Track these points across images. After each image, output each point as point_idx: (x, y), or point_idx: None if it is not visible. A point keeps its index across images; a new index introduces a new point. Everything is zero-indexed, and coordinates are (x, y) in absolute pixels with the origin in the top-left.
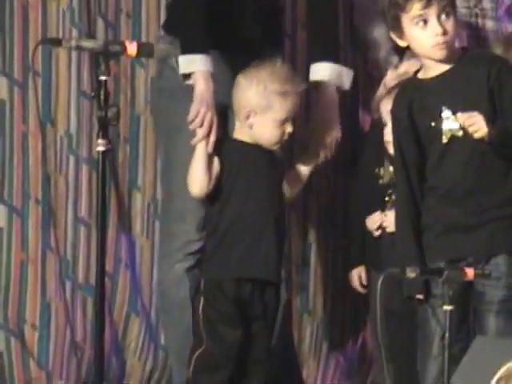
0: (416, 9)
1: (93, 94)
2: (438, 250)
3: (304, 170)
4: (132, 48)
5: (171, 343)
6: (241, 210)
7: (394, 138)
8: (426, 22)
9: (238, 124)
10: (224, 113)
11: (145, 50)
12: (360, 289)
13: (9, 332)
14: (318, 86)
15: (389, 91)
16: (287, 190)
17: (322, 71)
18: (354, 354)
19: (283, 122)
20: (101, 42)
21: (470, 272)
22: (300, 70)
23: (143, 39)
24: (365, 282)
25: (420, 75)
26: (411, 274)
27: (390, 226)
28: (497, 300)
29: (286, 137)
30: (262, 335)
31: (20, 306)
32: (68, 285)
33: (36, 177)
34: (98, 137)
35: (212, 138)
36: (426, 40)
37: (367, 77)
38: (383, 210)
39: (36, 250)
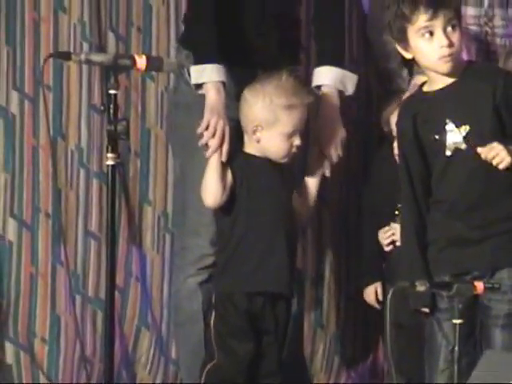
0: (422, 20)
1: (102, 107)
2: (443, 264)
3: (312, 182)
4: (141, 62)
5: (182, 357)
6: (252, 223)
7: (399, 150)
8: (431, 33)
9: (246, 138)
10: (238, 127)
11: (154, 64)
12: (376, 305)
13: (18, 345)
14: (320, 90)
15: (398, 105)
16: (299, 207)
17: (323, 75)
18: (365, 370)
19: (290, 136)
20: (110, 56)
21: (479, 286)
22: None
23: (154, 53)
24: (381, 298)
25: (425, 88)
26: (421, 287)
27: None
28: (502, 314)
29: (294, 150)
30: (272, 349)
31: (30, 320)
32: (78, 299)
33: (46, 191)
34: (107, 151)
35: (225, 147)
36: (431, 52)
37: (381, 89)
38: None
39: (46, 264)
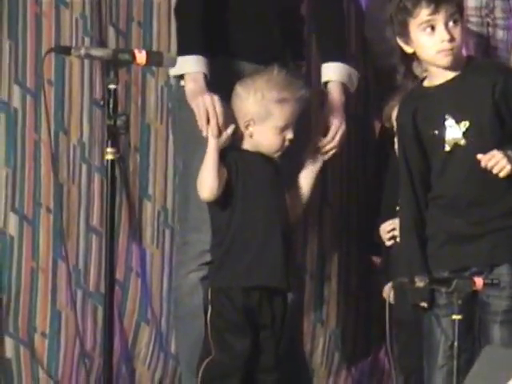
0: (424, 14)
1: (102, 102)
2: (441, 260)
3: (306, 180)
4: (141, 57)
5: (182, 351)
6: (247, 218)
7: (398, 146)
8: (433, 28)
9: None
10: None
11: (154, 59)
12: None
13: (18, 340)
14: (327, 85)
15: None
16: (291, 205)
17: (331, 71)
18: (365, 365)
19: (283, 130)
20: (110, 51)
21: (478, 281)
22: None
23: (154, 48)
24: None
25: (425, 83)
26: (420, 283)
27: None
28: (501, 310)
29: (286, 144)
30: (269, 344)
31: (30, 315)
32: (79, 293)
33: (48, 185)
34: (107, 145)
35: (220, 119)
36: (432, 46)
37: (378, 86)
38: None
39: (47, 259)
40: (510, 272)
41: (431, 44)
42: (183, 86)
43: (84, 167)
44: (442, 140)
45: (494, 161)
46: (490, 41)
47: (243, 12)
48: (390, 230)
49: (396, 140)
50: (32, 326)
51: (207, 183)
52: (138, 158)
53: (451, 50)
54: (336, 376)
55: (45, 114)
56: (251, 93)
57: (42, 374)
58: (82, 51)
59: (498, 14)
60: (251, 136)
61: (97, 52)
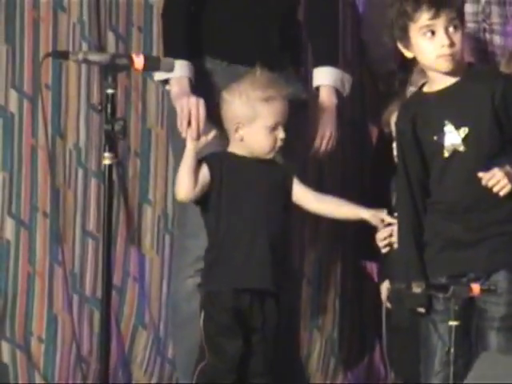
0: (424, 19)
1: (99, 107)
2: (439, 266)
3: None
4: (139, 61)
5: (179, 357)
6: (233, 221)
7: (397, 151)
8: (433, 33)
9: (231, 139)
10: None
11: (152, 64)
12: (388, 303)
13: (15, 345)
14: (319, 90)
15: (397, 106)
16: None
17: (323, 75)
18: (361, 371)
19: (273, 129)
20: (108, 56)
21: (475, 288)
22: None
23: (154, 53)
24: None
25: (425, 89)
26: (417, 289)
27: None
28: (498, 316)
29: (278, 143)
30: (261, 348)
31: (27, 319)
32: (75, 298)
33: (44, 190)
34: (104, 150)
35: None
36: (432, 51)
37: (375, 92)
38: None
39: (43, 263)
40: (507, 278)
41: (431, 49)
42: (169, 90)
43: (80, 172)
44: (441, 146)
45: (494, 180)
46: (486, 46)
47: (241, 17)
48: (385, 236)
49: (394, 145)
50: (28, 331)
51: (182, 185)
52: (139, 163)
53: (451, 55)
54: (332, 381)
55: (42, 118)
56: (236, 96)
57: (38, 379)
58: (80, 56)
59: (495, 19)
60: (242, 139)
61: (94, 57)
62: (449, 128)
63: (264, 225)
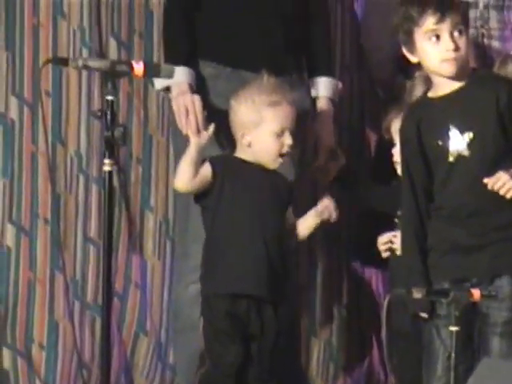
0: (429, 23)
1: (99, 113)
2: (442, 271)
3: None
4: (138, 68)
5: (180, 363)
6: (233, 226)
7: (401, 157)
8: (438, 37)
9: (238, 145)
10: None
11: (151, 70)
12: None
13: (16, 351)
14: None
15: (397, 112)
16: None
17: (321, 86)
18: (360, 376)
19: (280, 134)
20: (107, 62)
21: (476, 293)
22: None
23: (155, 59)
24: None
25: (430, 94)
26: (417, 294)
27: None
28: (500, 322)
29: (285, 149)
30: (261, 356)
31: (28, 326)
32: (77, 305)
33: (45, 197)
34: (104, 157)
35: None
36: (436, 55)
37: (374, 97)
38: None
39: (44, 270)
40: (510, 283)
41: (436, 53)
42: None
43: (81, 178)
44: (445, 150)
45: (500, 183)
46: (485, 52)
47: (244, 23)
48: (386, 241)
49: (394, 151)
50: (29, 337)
51: (181, 174)
52: (140, 169)
53: (455, 59)
54: None
55: (42, 125)
56: (242, 101)
57: None
58: (80, 62)
59: (493, 24)
60: (249, 145)
61: (94, 63)
62: (453, 133)
63: (262, 230)
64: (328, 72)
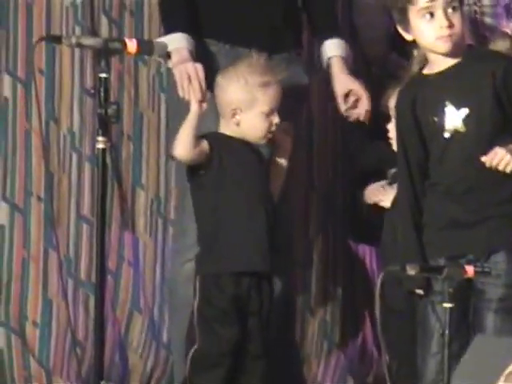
0: (423, 1)
1: (93, 91)
2: (438, 247)
3: (282, 162)
4: (132, 45)
5: (175, 341)
6: (232, 202)
7: (397, 133)
8: (432, 14)
9: (223, 122)
10: None
11: (145, 48)
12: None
13: (10, 329)
14: (332, 62)
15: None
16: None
17: (333, 48)
18: (354, 353)
19: (269, 114)
20: (101, 40)
21: (469, 270)
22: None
23: (146, 36)
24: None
25: (425, 71)
26: (411, 271)
27: (386, 202)
28: (496, 298)
29: (273, 128)
30: (257, 331)
31: (21, 303)
32: (70, 282)
33: (38, 174)
34: (98, 134)
35: (202, 85)
36: (431, 32)
37: (367, 74)
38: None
39: (38, 248)
40: (506, 260)
41: (430, 30)
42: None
43: (74, 156)
44: (441, 127)
45: (497, 159)
46: (478, 29)
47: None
48: (377, 193)
49: (389, 127)
50: (23, 315)
51: (182, 142)
52: (131, 147)
53: (450, 36)
54: (326, 363)
55: (35, 103)
56: (233, 80)
57: (33, 363)
58: (73, 40)
59: (485, 1)
60: (238, 124)
61: (88, 41)
62: (449, 109)
63: (261, 207)
64: (336, 34)
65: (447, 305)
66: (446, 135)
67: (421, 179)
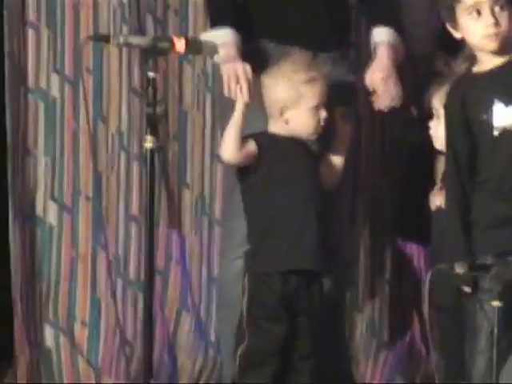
0: None
1: (141, 90)
2: (485, 244)
3: (341, 150)
4: (180, 44)
5: (224, 339)
6: (283, 201)
7: (446, 132)
8: (479, 13)
9: (271, 122)
10: None
11: (193, 47)
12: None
13: (58, 329)
14: (377, 47)
15: (441, 84)
16: (326, 174)
17: (382, 33)
18: (402, 352)
19: (317, 109)
20: (149, 39)
21: None
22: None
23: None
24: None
25: (474, 69)
26: (460, 269)
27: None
28: None
29: (322, 123)
30: (307, 330)
31: (70, 303)
32: (119, 282)
33: (87, 174)
34: (146, 133)
35: (249, 86)
36: (477, 31)
37: (413, 72)
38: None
39: (86, 247)
40: None
41: (477, 29)
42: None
43: (123, 156)
44: (490, 124)
45: None
46: None
47: None
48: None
49: (431, 124)
50: (72, 315)
51: (229, 144)
52: (176, 147)
53: (496, 34)
54: (374, 362)
55: (83, 102)
56: (279, 79)
57: (81, 363)
58: (121, 39)
59: None
60: (287, 122)
61: (136, 40)
62: (498, 107)
63: (312, 206)
64: (386, 23)
65: (496, 303)
66: (495, 133)
67: (469, 177)
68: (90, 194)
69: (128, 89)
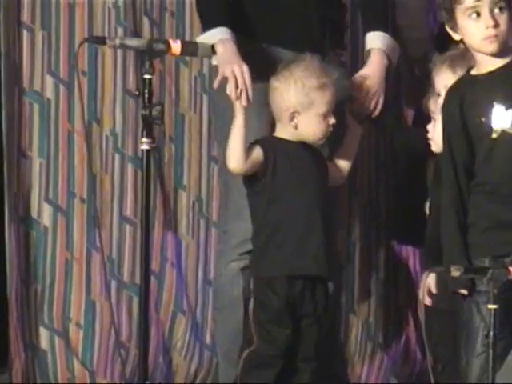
0: (469, 0)
1: (137, 92)
2: (483, 247)
3: (344, 164)
4: (176, 46)
5: (220, 342)
6: (289, 206)
7: (443, 135)
8: (478, 14)
9: (279, 126)
10: None
11: (189, 49)
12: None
13: (53, 331)
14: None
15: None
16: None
17: (376, 39)
18: (397, 354)
19: (326, 115)
20: (145, 41)
21: None
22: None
23: (187, 38)
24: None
25: (473, 71)
26: (456, 272)
27: None
28: None
29: (330, 129)
30: (311, 333)
31: (65, 305)
32: (113, 284)
33: (81, 176)
34: (142, 135)
35: (249, 90)
36: (477, 32)
37: (409, 74)
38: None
39: (81, 249)
40: None
41: (476, 30)
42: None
43: (117, 157)
44: (489, 127)
45: None
46: None
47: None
48: None
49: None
50: (67, 317)
51: (234, 153)
52: (173, 148)
53: (496, 36)
54: (369, 365)
55: (78, 104)
56: (291, 83)
57: (76, 365)
58: (117, 41)
59: None
60: (296, 127)
61: (131, 42)
62: (498, 109)
63: (318, 211)
64: (381, 27)
65: (492, 306)
66: (494, 136)
67: (466, 180)
68: (85, 196)
69: (122, 90)
